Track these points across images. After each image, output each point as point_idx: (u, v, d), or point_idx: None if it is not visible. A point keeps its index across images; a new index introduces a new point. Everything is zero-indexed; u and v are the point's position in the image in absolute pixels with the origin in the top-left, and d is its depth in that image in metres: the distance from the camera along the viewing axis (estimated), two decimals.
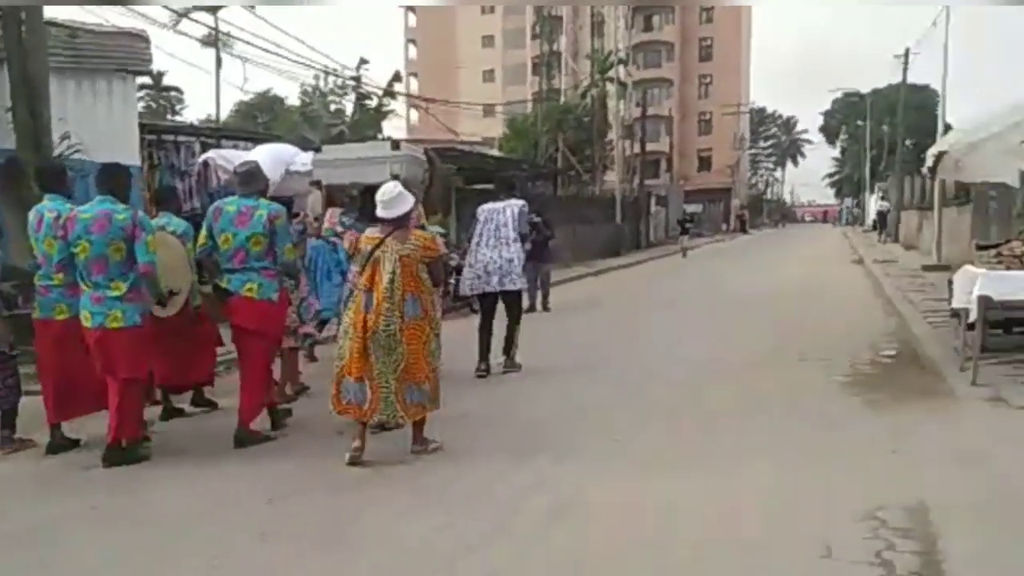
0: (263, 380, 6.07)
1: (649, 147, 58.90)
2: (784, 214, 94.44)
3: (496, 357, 8.25)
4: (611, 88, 37.81)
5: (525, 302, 10.76)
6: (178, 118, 33.79)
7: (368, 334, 5.21)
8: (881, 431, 5.54)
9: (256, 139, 14.68)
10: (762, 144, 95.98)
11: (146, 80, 36.88)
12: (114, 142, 10.79)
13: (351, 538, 4.14)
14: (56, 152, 8.93)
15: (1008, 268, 6.21)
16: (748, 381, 7.61)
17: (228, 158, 8.43)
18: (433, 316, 5.48)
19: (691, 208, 53.94)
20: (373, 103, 15.98)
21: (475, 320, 8.60)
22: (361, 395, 5.25)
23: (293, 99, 19.26)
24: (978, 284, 6.15)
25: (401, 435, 5.62)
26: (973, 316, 6.35)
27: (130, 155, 11.04)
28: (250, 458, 5.57)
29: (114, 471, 5.33)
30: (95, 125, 10.59)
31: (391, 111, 16.32)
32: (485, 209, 8.32)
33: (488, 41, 66.62)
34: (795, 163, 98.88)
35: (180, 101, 34.70)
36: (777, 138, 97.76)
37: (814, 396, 6.80)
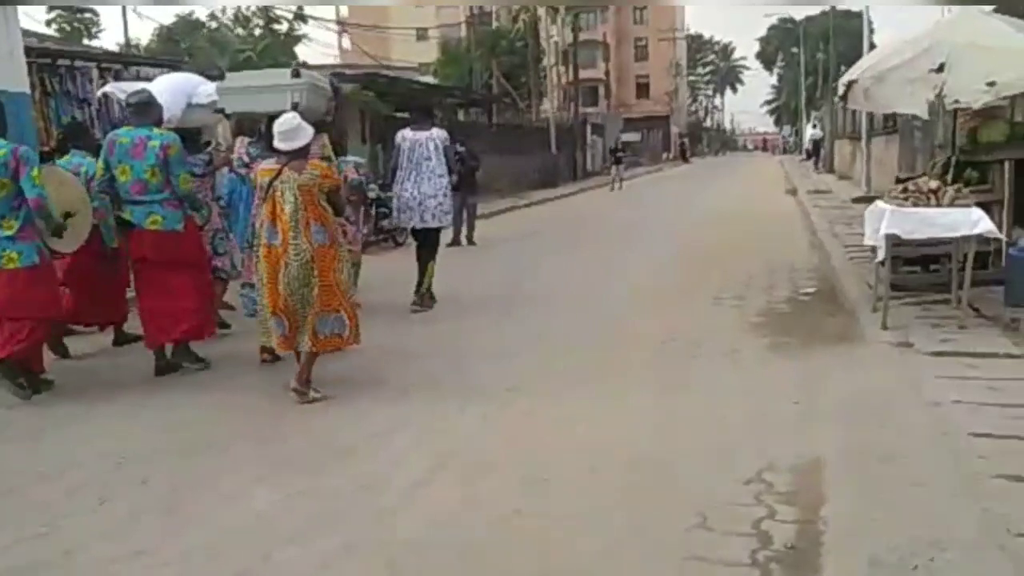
0: (207, 300, 6.24)
1: (585, 74, 58.30)
2: (724, 142, 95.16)
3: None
4: (543, 12, 36.90)
5: (449, 235, 10.59)
6: (95, 42, 32.05)
7: (278, 265, 5.23)
8: (784, 379, 5.40)
9: (158, 65, 13.93)
10: (700, 71, 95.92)
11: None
12: None
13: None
14: None
15: (915, 204, 6.10)
16: (656, 318, 7.51)
17: (126, 89, 7.74)
18: (340, 243, 5.50)
19: (629, 136, 53.74)
20: (283, 27, 15.22)
21: (397, 253, 8.06)
22: (281, 328, 5.34)
23: (227, 21, 18.28)
24: (885, 221, 6.05)
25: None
26: (882, 255, 6.28)
27: (16, 81, 10.31)
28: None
29: None
30: None
31: (303, 36, 15.63)
32: (407, 138, 8.15)
33: None
34: (734, 90, 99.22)
35: (96, 24, 32.78)
36: (715, 65, 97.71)
37: (722, 337, 6.68)
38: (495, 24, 43.23)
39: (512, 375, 5.83)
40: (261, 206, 5.44)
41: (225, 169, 7.74)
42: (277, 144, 5.36)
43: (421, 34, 55.51)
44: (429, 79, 41.94)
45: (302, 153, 5.38)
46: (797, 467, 3.99)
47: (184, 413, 5.27)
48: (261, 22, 15.23)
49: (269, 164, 5.45)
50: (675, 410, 4.97)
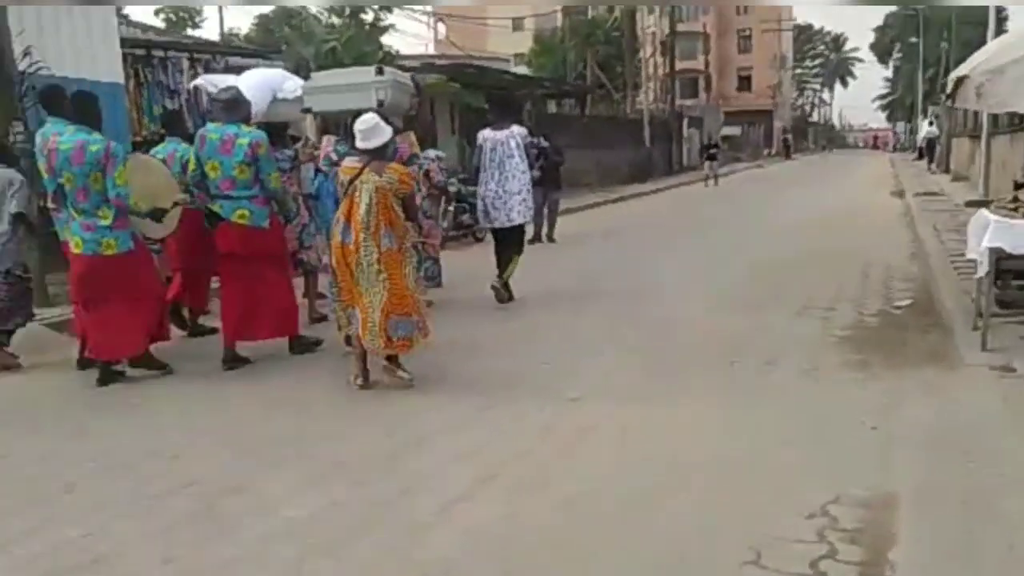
0: (289, 296, 6.43)
1: (684, 65, 57.32)
2: (831, 138, 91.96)
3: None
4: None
5: (530, 232, 10.62)
6: (197, 31, 33.18)
7: (349, 264, 5.40)
8: (866, 401, 5.09)
9: (247, 55, 14.26)
10: (808, 64, 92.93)
11: None
12: (94, 59, 10.43)
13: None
14: (20, 69, 8.60)
15: None
16: (734, 327, 7.23)
17: (216, 83, 8.14)
18: (407, 249, 5.60)
19: (729, 131, 52.66)
20: (369, 17, 15.29)
21: (477, 248, 9.14)
22: (353, 321, 5.52)
23: (316, 10, 18.58)
24: (988, 233, 5.61)
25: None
26: (983, 270, 5.83)
27: (111, 72, 10.69)
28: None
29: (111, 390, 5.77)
30: (73, 41, 10.21)
31: (390, 26, 15.65)
32: (488, 138, 8.27)
33: None
34: (844, 84, 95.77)
35: (199, 13, 33.89)
36: (824, 57, 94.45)
37: (801, 351, 6.34)
38: (591, 14, 42.69)
39: (577, 383, 5.67)
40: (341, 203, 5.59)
41: (311, 164, 7.94)
42: (358, 143, 5.51)
43: (517, 24, 55.53)
44: (523, 70, 42.05)
45: (383, 153, 5.50)
46: (867, 502, 3.71)
47: (245, 409, 5.40)
48: (347, 12, 15.34)
49: (352, 162, 5.59)
50: (740, 431, 4.71)
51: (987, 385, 5.24)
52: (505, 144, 8.20)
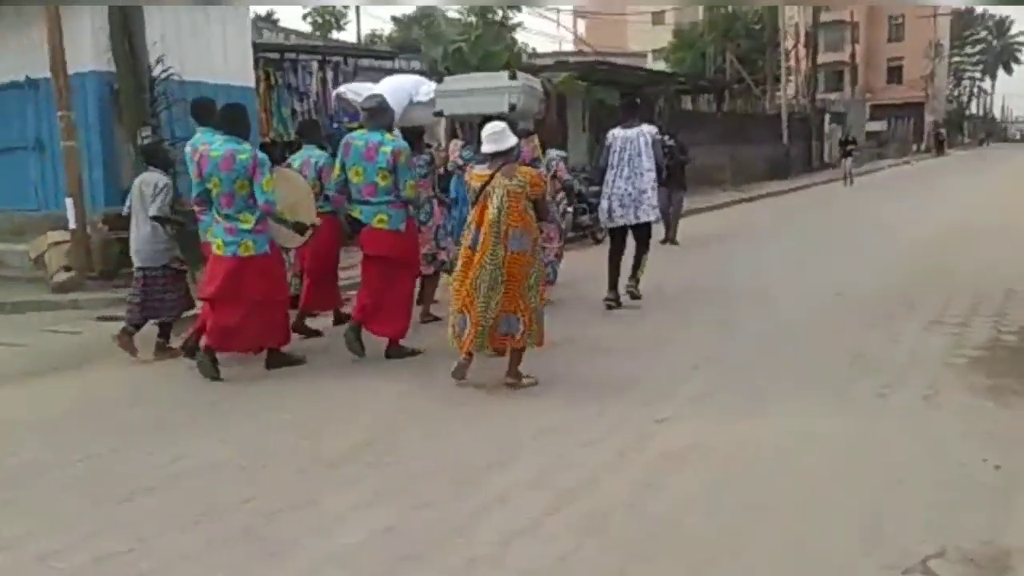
0: (407, 303, 6.54)
1: (829, 57, 54.63)
2: (990, 131, 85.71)
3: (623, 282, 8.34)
4: None
5: (659, 233, 10.43)
6: (342, 34, 34.26)
7: (475, 268, 5.43)
8: (992, 434, 4.55)
9: (375, 56, 14.47)
10: (968, 51, 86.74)
11: None
12: (227, 64, 10.82)
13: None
14: (154, 75, 9.00)
15: None
16: (854, 341, 6.76)
17: (357, 91, 8.46)
18: (538, 253, 5.65)
19: (874, 126, 49.93)
20: (497, 16, 15.22)
21: (596, 250, 8.82)
22: (462, 327, 5.54)
23: (453, 12, 18.74)
24: None
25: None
26: None
27: (243, 76, 11.06)
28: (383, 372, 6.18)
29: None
30: (207, 45, 10.61)
31: (518, 24, 15.50)
32: (617, 137, 8.21)
33: None
34: (1008, 71, 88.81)
35: (344, 16, 34.95)
36: (987, 43, 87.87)
37: (925, 371, 5.81)
38: (730, 7, 41.26)
39: (669, 401, 5.38)
40: (473, 209, 5.64)
41: (441, 169, 8.12)
42: (485, 148, 5.59)
43: (657, 19, 54.45)
44: (661, 65, 41.18)
45: (510, 156, 5.56)
46: (977, 559, 3.28)
47: (333, 413, 5.37)
48: (477, 12, 15.31)
49: (482, 170, 5.68)
50: (843, 462, 4.31)
51: None
52: (634, 142, 8.11)
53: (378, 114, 6.37)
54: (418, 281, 7.38)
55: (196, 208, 6.32)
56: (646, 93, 23.25)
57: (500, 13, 16.09)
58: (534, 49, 34.18)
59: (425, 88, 8.15)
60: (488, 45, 15.03)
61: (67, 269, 9.12)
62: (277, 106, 11.85)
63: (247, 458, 4.58)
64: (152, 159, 6.90)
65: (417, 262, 6.89)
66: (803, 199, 23.10)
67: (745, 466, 4.29)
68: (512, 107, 6.88)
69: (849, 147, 27.40)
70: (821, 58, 51.41)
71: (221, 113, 6.16)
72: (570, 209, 12.26)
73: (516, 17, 17.44)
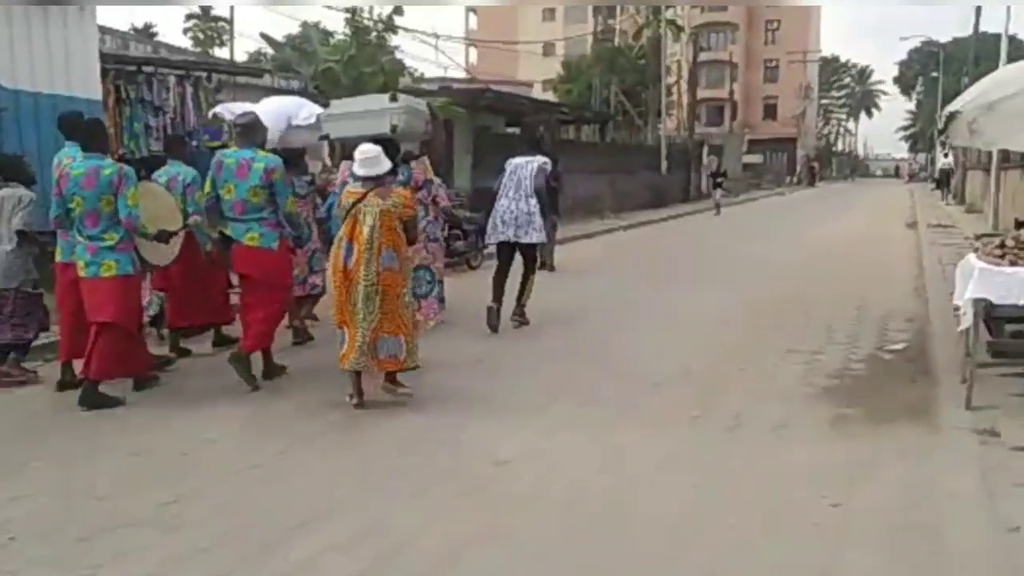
0: (271, 319, 6.26)
1: (710, 94, 56.61)
2: (854, 167, 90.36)
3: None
4: (665, 30, 35.57)
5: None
6: (224, 51, 33.06)
7: (349, 284, 5.45)
8: (832, 468, 4.38)
9: (236, 72, 13.75)
10: (834, 94, 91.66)
11: (195, 10, 36.23)
12: (68, 73, 9.94)
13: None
14: None
15: (1014, 263, 4.85)
16: (708, 373, 6.58)
17: (234, 110, 8.13)
18: (407, 271, 5.69)
19: (751, 158, 51.66)
20: (372, 38, 14.79)
21: (471, 275, 9.29)
22: (342, 343, 5.52)
23: (335, 31, 18.08)
24: (973, 282, 4.86)
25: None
26: (967, 322, 5.08)
27: (88, 87, 10.16)
28: (237, 398, 5.83)
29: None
30: (47, 54, 9.73)
31: (395, 48, 15.06)
32: (512, 163, 8.37)
33: None
34: (869, 115, 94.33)
35: (227, 32, 33.79)
36: (851, 88, 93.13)
37: (775, 404, 5.63)
38: (616, 42, 42.14)
39: (513, 439, 5.03)
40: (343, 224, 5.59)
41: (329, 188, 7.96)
42: (356, 170, 5.62)
43: (548, 50, 55.23)
44: (549, 95, 41.56)
45: (384, 180, 5.60)
46: None
47: (209, 429, 5.23)
48: (348, 31, 14.84)
49: (355, 187, 5.64)
50: (679, 504, 4.03)
51: (966, 454, 4.51)
52: (524, 168, 8.22)
53: (249, 131, 6.27)
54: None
55: (55, 228, 5.94)
56: (527, 122, 23.26)
57: (374, 35, 15.64)
58: (422, 74, 33.98)
59: (305, 111, 8.00)
60: (361, 66, 14.54)
61: None
62: (129, 120, 11.00)
63: (200, 478, 4.34)
64: (9, 174, 6.43)
65: (288, 282, 6.65)
66: (677, 226, 23.41)
67: (582, 515, 3.93)
68: (394, 128, 6.84)
69: (719, 179, 27.74)
70: (703, 94, 53.24)
71: (80, 128, 5.89)
72: (447, 232, 11.94)
73: (394, 40, 17.07)
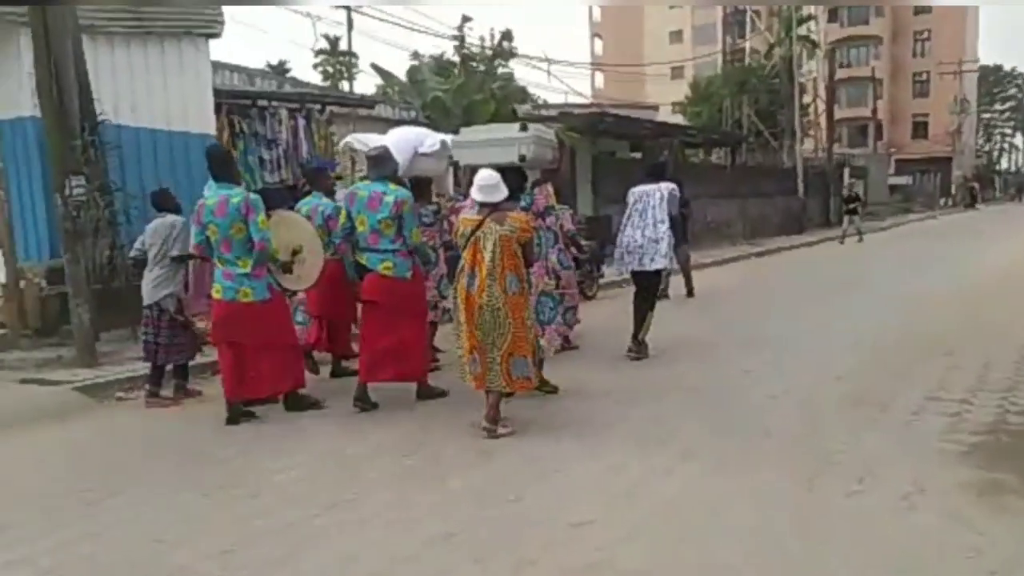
0: (420, 345, 6.62)
1: (851, 112, 54.25)
2: (1021, 187, 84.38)
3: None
4: (799, 47, 34.25)
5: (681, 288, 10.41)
6: (350, 84, 34.17)
7: (475, 309, 5.59)
8: (983, 547, 3.72)
9: (348, 104, 13.97)
10: (997, 107, 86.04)
11: (324, 45, 37.72)
12: (185, 109, 10.32)
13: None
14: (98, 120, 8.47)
15: None
16: (839, 421, 5.93)
17: (364, 141, 8.56)
18: (527, 294, 5.81)
19: (898, 180, 49.04)
20: (481, 66, 14.74)
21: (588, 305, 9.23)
22: (475, 366, 5.70)
23: (449, 57, 18.27)
24: None
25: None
26: None
27: (202, 123, 10.55)
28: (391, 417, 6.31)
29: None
30: (164, 92, 10.13)
31: (506, 76, 14.92)
32: (635, 192, 8.45)
33: None
34: None
35: (356, 66, 34.89)
36: (1017, 100, 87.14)
37: (907, 463, 4.94)
38: (747, 60, 40.98)
39: (622, 476, 4.61)
40: (463, 253, 5.77)
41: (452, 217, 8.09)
42: (474, 195, 5.79)
43: (676, 73, 54.50)
44: (678, 118, 40.79)
45: (504, 205, 5.73)
46: None
47: (351, 451, 5.52)
48: (456, 60, 14.89)
49: (472, 215, 5.81)
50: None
51: None
52: (651, 195, 8.29)
53: (380, 163, 6.51)
54: None
55: (198, 254, 6.46)
56: (648, 146, 22.77)
57: (482, 63, 15.65)
58: (544, 101, 34.04)
59: (431, 140, 8.22)
60: (471, 94, 14.53)
61: (1, 326, 8.55)
62: (243, 154, 11.32)
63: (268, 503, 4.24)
64: (162, 204, 7.01)
65: (425, 308, 6.95)
66: (811, 255, 22.11)
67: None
68: (522, 157, 7.01)
69: (853, 204, 25.02)
70: (844, 113, 51.12)
71: (209, 161, 6.31)
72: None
73: (511, 67, 17.04)
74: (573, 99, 38.28)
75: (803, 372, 7.60)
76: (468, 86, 14.49)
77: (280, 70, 32.72)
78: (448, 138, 8.22)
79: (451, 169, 8.71)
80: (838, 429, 5.77)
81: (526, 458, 5.26)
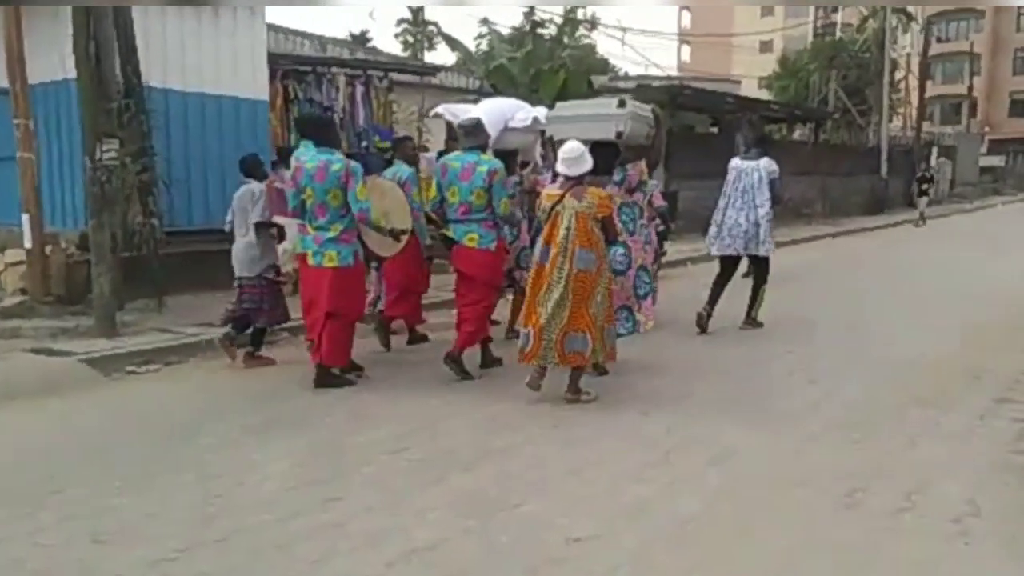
0: (480, 318, 6.46)
1: (946, 89, 51.25)
2: None
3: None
4: (894, 20, 32.24)
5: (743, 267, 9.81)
6: (433, 54, 33.78)
7: (542, 284, 5.52)
8: None
9: (409, 71, 13.51)
10: None
11: (406, 15, 37.33)
12: (236, 74, 10.00)
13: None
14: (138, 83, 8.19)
15: None
16: (890, 424, 5.21)
17: (455, 112, 8.44)
18: (604, 271, 5.62)
19: (989, 160, 46.08)
20: (551, 31, 13.99)
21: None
22: (526, 340, 5.60)
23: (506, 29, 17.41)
24: None
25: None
26: None
27: (255, 88, 10.23)
28: (446, 387, 6.11)
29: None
30: (215, 56, 9.82)
31: (587, 45, 14.03)
32: (735, 167, 8.24)
33: None
34: None
35: (435, 36, 34.46)
36: None
37: (972, 475, 4.27)
38: (838, 35, 38.88)
39: (643, 484, 4.05)
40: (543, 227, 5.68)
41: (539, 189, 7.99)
42: (560, 168, 5.65)
43: (764, 47, 52.37)
44: (764, 94, 39.05)
45: (584, 179, 5.60)
46: None
47: (410, 421, 5.30)
48: (526, 27, 14.15)
49: (553, 189, 5.74)
50: None
51: None
52: (750, 175, 8.06)
53: (473, 133, 6.47)
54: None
55: (293, 217, 6.34)
56: (727, 120, 21.69)
57: (554, 29, 14.92)
58: (626, 72, 32.96)
59: (522, 113, 8.16)
60: (539, 63, 13.83)
61: (24, 292, 8.24)
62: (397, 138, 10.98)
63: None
64: (250, 172, 6.88)
65: (500, 283, 6.90)
66: (890, 236, 20.77)
67: None
68: (619, 134, 6.83)
69: (925, 186, 23.37)
70: (937, 90, 48.32)
71: (309, 125, 6.34)
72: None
73: (588, 39, 16.24)
74: (653, 71, 36.84)
75: (864, 365, 6.85)
76: (536, 55, 13.77)
77: (362, 39, 32.52)
78: (542, 112, 8.03)
79: (538, 144, 8.47)
80: (894, 433, 5.08)
81: (541, 456, 4.68)
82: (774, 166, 8.16)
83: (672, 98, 18.85)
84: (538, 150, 8.35)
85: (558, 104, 8.15)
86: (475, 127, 6.55)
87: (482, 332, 6.57)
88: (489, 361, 6.65)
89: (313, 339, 6.15)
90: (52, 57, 8.32)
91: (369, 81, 11.83)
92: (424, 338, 7.64)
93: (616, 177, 6.71)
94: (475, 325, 6.41)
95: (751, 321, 8.31)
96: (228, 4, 9.62)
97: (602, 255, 5.59)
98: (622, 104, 7.14)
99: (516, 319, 7.43)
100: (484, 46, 13.92)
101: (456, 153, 6.59)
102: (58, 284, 8.12)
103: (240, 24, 9.98)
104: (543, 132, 7.77)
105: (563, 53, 14.28)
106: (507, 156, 7.51)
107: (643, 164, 7.34)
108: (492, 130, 7.21)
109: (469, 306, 6.39)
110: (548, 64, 13.79)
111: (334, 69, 11.64)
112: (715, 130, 22.47)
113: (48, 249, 8.05)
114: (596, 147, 5.89)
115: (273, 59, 10.61)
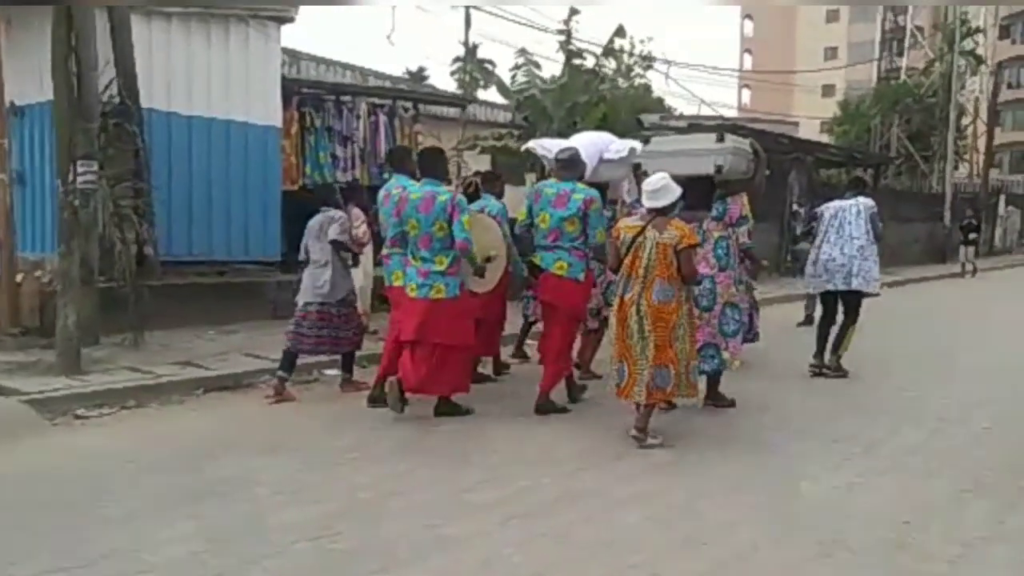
0: (563, 352, 6.34)
1: (1017, 136, 48.68)
2: None
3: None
4: (962, 62, 30.57)
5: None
6: (490, 92, 33.23)
7: (626, 318, 5.38)
8: None
9: (439, 102, 12.79)
10: None
11: (460, 52, 36.84)
12: (248, 99, 9.35)
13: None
14: (104, 100, 7.52)
15: None
16: (981, 495, 4.20)
17: (546, 145, 8.14)
18: (684, 304, 5.41)
19: None
20: (588, 62, 13.09)
21: None
22: (620, 377, 5.45)
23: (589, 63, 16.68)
24: None
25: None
26: None
27: (267, 114, 9.56)
28: (537, 424, 5.98)
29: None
30: (226, 77, 9.19)
31: (604, 76, 13.08)
32: (831, 207, 8.11)
33: (832, 15, 59.04)
34: None
35: (492, 73, 33.89)
36: None
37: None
38: (903, 78, 37.20)
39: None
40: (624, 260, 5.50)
41: None
42: (644, 201, 5.51)
43: (826, 91, 50.94)
44: (825, 138, 37.52)
45: (666, 211, 5.43)
46: None
47: (493, 459, 5.14)
48: (562, 57, 13.28)
49: (633, 221, 5.59)
50: None
51: None
52: (847, 211, 7.90)
53: (570, 165, 6.41)
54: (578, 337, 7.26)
55: (389, 248, 6.24)
56: (777, 160, 20.54)
57: (592, 60, 14.05)
58: (680, 112, 31.89)
59: (616, 145, 7.90)
60: (574, 96, 12.96)
61: None
62: (314, 150, 10.27)
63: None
64: (326, 199, 6.89)
65: (583, 316, 6.74)
66: (946, 288, 19.28)
67: None
68: (719, 168, 6.56)
69: (972, 235, 22.02)
70: (1007, 137, 45.99)
71: (420, 158, 6.30)
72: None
73: (643, 78, 15.34)
74: (705, 111, 35.68)
75: (878, 419, 5.81)
76: (571, 86, 12.91)
77: (419, 77, 32.14)
78: (638, 145, 7.68)
79: (626, 180, 8.15)
80: (978, 508, 4.16)
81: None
82: (872, 202, 7.96)
83: (722, 138, 17.85)
84: (625, 186, 8.06)
85: (654, 139, 7.86)
86: (572, 159, 6.47)
87: (567, 370, 6.44)
88: (576, 394, 6.52)
89: (392, 370, 5.99)
90: (36, 77, 7.76)
91: (394, 111, 11.10)
92: (506, 367, 7.66)
93: (715, 212, 6.50)
94: (558, 364, 6.28)
95: (835, 362, 7.89)
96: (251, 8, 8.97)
97: (681, 288, 5.38)
98: (721, 138, 6.93)
99: (588, 361, 7.45)
100: (520, 77, 13.07)
101: (552, 180, 6.51)
102: (32, 315, 7.45)
103: (252, 44, 9.34)
104: (636, 167, 7.51)
105: (602, 86, 13.35)
106: (598, 189, 7.21)
107: (744, 199, 7.10)
108: (589, 161, 7.06)
109: (552, 341, 6.28)
110: (585, 97, 12.89)
111: (356, 97, 10.92)
112: (767, 172, 21.36)
113: (19, 277, 7.40)
114: (691, 182, 5.80)
115: (288, 84, 9.94)
